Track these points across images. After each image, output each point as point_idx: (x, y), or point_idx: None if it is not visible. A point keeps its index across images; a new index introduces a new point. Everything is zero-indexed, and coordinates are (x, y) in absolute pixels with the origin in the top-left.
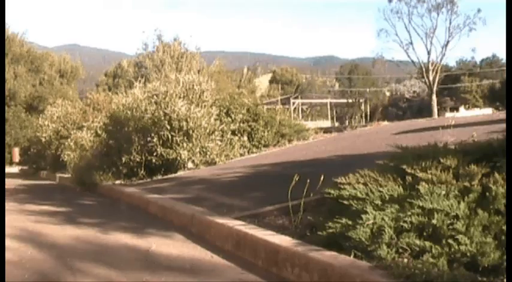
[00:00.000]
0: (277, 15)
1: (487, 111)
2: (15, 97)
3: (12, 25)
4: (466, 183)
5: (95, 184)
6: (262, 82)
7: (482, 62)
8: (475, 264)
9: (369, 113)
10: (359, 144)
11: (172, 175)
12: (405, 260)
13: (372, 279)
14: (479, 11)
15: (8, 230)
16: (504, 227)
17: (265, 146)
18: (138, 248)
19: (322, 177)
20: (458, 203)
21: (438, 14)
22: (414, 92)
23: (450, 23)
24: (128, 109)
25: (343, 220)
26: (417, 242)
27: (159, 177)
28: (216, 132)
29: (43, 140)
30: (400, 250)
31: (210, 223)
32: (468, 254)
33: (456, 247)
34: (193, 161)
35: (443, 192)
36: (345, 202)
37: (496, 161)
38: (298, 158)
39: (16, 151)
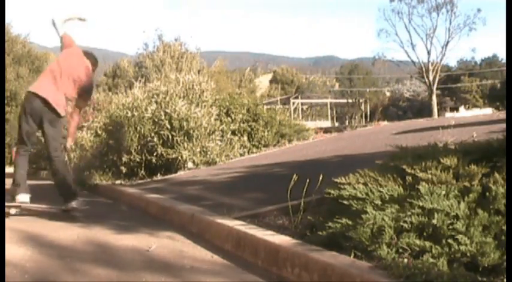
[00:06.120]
0: (278, 15)
1: (487, 111)
2: (16, 97)
3: (15, 26)
4: (466, 183)
5: (94, 184)
6: (263, 82)
7: (482, 62)
8: (475, 264)
9: (369, 113)
10: (359, 144)
11: (173, 175)
12: (405, 260)
13: (372, 279)
14: (479, 10)
15: (7, 231)
16: (504, 227)
17: (265, 146)
18: (138, 247)
19: (322, 177)
20: (458, 203)
21: (438, 15)
22: (414, 91)
23: (450, 23)
24: (128, 109)
25: (343, 220)
26: (417, 242)
27: (159, 177)
28: (216, 132)
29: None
30: (400, 250)
31: (210, 223)
32: (468, 254)
33: (456, 247)
34: (193, 161)
35: (443, 192)
36: (345, 202)
37: (496, 161)
38: (298, 158)
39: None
